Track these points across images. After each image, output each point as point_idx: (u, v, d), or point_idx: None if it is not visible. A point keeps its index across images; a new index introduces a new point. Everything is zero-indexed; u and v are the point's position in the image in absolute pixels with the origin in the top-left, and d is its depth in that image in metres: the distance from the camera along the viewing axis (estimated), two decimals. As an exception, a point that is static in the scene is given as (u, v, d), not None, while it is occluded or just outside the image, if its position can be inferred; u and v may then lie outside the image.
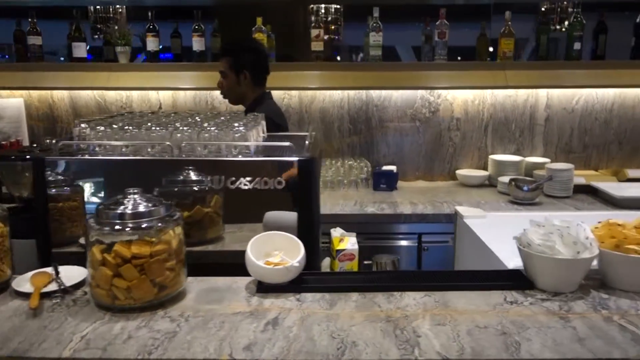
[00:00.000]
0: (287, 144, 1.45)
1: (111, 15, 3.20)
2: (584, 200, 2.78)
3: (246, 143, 1.46)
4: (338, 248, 1.57)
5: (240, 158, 1.42)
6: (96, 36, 3.15)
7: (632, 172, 2.98)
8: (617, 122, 3.16)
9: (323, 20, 3.10)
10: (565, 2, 3.07)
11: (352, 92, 3.17)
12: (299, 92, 3.16)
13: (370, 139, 3.22)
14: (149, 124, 1.54)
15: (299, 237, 1.34)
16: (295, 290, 1.24)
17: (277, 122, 2.32)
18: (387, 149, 3.23)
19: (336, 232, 1.60)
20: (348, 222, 2.57)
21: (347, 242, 1.59)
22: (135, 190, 1.17)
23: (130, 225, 1.12)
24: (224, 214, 1.52)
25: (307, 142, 1.46)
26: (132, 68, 3.03)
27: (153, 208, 1.15)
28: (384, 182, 2.99)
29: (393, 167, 3.11)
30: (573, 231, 1.21)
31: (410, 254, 2.68)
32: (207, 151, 1.48)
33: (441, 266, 2.62)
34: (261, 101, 2.50)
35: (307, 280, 1.29)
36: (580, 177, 2.94)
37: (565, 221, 1.25)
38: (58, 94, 3.21)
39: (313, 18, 2.97)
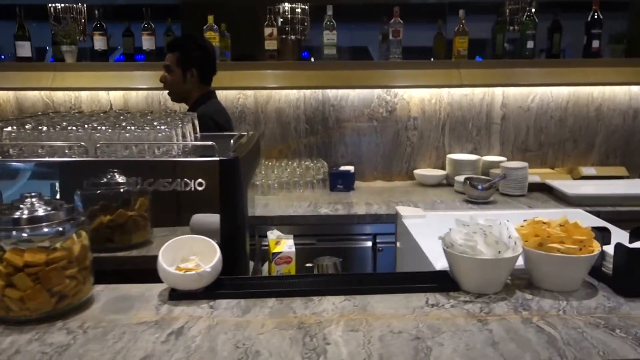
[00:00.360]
0: (209, 143, 1.39)
1: (73, 14, 3.11)
2: (539, 198, 2.77)
3: (163, 142, 1.40)
4: (274, 251, 1.52)
5: (156, 158, 1.36)
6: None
7: (586, 170, 2.99)
8: (572, 120, 3.17)
9: (289, 20, 3.06)
10: (521, 2, 3.07)
11: (308, 92, 3.13)
12: (255, 92, 3.10)
13: (327, 139, 3.17)
14: (64, 123, 1.46)
15: (223, 240, 1.28)
16: (209, 297, 1.18)
17: (219, 122, 2.26)
18: (344, 149, 3.19)
19: (272, 235, 1.55)
20: (301, 224, 2.56)
21: (284, 244, 1.54)
22: (33, 194, 1.10)
23: (24, 231, 1.05)
24: (153, 217, 1.46)
25: (231, 141, 1.40)
26: (77, 68, 2.94)
27: (51, 212, 1.08)
28: (340, 182, 2.95)
29: (350, 168, 3.06)
30: (496, 230, 1.18)
31: (365, 255, 2.64)
32: (129, 152, 1.42)
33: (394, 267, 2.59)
34: (204, 100, 2.44)
35: (225, 285, 1.23)
36: (536, 175, 2.94)
37: (489, 220, 1.21)
38: (4, 95, 3.10)
39: (267, 16, 2.91)
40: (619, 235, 1.41)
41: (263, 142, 3.15)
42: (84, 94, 3.09)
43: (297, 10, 3.08)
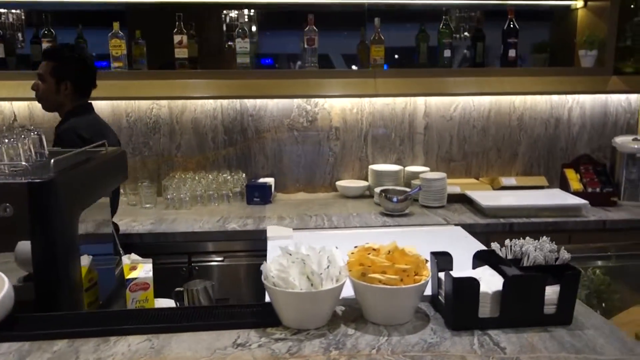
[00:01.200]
0: (23, 164, 1.22)
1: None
2: (457, 210, 2.73)
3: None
4: (128, 277, 1.39)
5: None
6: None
7: (506, 180, 2.96)
8: (494, 129, 3.15)
9: (242, 27, 2.94)
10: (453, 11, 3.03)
11: (225, 102, 3.01)
12: (169, 101, 2.97)
13: (247, 151, 3.06)
14: None
15: (36, 270, 1.14)
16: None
17: (84, 136, 2.09)
18: (265, 160, 3.08)
19: (127, 260, 1.43)
20: (204, 240, 2.44)
21: (141, 269, 1.41)
22: None
23: None
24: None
25: (52, 161, 1.21)
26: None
27: None
28: (257, 195, 2.84)
29: (269, 180, 2.96)
30: (314, 260, 1.08)
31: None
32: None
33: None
34: (77, 113, 2.28)
35: (18, 325, 1.08)
36: (456, 186, 2.90)
37: (311, 248, 1.12)
38: None
39: (177, 23, 2.79)
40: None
41: (179, 153, 3.03)
42: (-16, 104, 2.90)
43: (244, 16, 2.97)
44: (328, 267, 1.05)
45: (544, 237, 1.24)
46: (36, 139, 1.37)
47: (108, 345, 1.02)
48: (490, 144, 3.17)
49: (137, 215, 2.62)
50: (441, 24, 2.91)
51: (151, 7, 2.96)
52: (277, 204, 2.87)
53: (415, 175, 2.94)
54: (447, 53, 2.89)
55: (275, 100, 3.01)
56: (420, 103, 3.09)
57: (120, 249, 1.62)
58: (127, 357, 0.98)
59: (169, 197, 2.74)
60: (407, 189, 2.72)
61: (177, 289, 1.58)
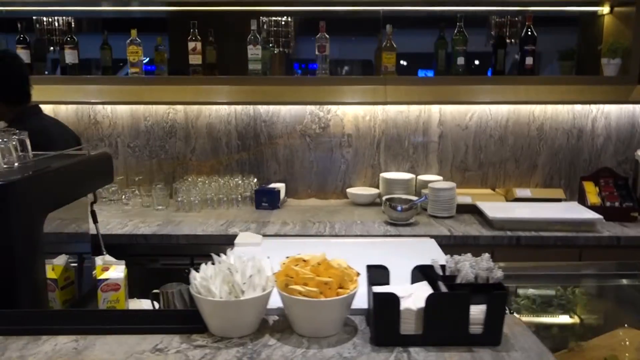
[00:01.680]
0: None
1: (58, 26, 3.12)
2: (465, 220, 2.66)
3: None
4: (100, 277, 1.44)
5: None
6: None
7: (520, 192, 2.87)
8: (512, 139, 3.06)
9: (273, 32, 3.01)
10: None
11: (239, 107, 3.06)
12: (184, 106, 3.05)
13: (260, 156, 3.10)
14: None
15: None
16: None
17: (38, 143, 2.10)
18: (277, 166, 3.11)
19: (100, 260, 1.47)
20: (206, 243, 2.48)
21: (113, 270, 1.46)
22: None
23: None
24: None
25: (16, 164, 1.25)
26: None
27: None
28: (265, 200, 2.87)
29: (279, 185, 2.99)
30: (239, 269, 1.08)
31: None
32: None
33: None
34: (22, 119, 2.20)
35: None
36: (467, 196, 2.83)
37: (238, 257, 1.12)
38: None
39: (191, 30, 2.86)
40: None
41: (194, 157, 3.10)
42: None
43: (281, 22, 3.03)
44: (251, 276, 1.05)
45: (485, 254, 1.19)
46: (20, 141, 1.44)
47: (37, 343, 1.06)
48: (508, 154, 3.08)
49: (146, 217, 2.70)
50: (455, 31, 2.86)
51: (191, 14, 3.02)
52: (285, 210, 2.88)
53: (427, 184, 2.89)
54: (460, 60, 2.83)
55: (288, 107, 3.04)
56: (434, 111, 3.04)
57: (104, 250, 1.67)
58: (48, 356, 1.02)
59: (179, 199, 2.81)
60: (414, 198, 2.68)
61: (154, 290, 1.62)
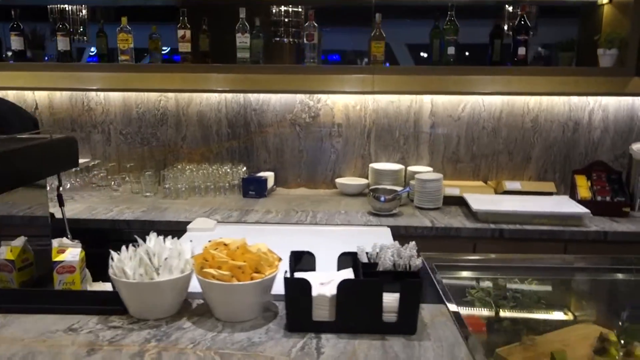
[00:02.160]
0: None
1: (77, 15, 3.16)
2: (450, 212, 2.63)
3: None
4: (55, 259, 1.45)
5: None
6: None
7: (510, 185, 2.81)
8: (506, 131, 3.00)
9: (283, 22, 3.01)
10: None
11: (229, 96, 3.06)
12: (175, 94, 3.06)
13: (250, 144, 3.10)
14: None
15: None
16: None
17: None
18: (267, 154, 3.11)
19: (56, 243, 1.49)
20: (184, 230, 2.49)
21: (68, 253, 1.47)
22: None
23: None
24: None
25: None
26: None
27: None
28: (252, 188, 2.87)
29: (267, 174, 2.98)
30: (155, 252, 1.07)
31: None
32: None
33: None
34: None
35: None
36: (456, 188, 2.79)
37: (158, 241, 1.11)
38: None
39: (180, 18, 2.86)
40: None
41: (185, 145, 3.11)
42: (10, 93, 3.11)
43: (290, 12, 3.02)
44: (167, 259, 1.05)
45: (412, 242, 1.16)
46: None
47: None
48: (501, 147, 3.02)
49: (133, 203, 2.72)
50: (446, 20, 2.81)
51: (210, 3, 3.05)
52: (272, 198, 2.88)
53: (415, 175, 2.85)
54: (450, 50, 2.78)
55: (278, 95, 3.03)
56: (426, 101, 2.99)
57: (69, 233, 1.68)
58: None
59: (166, 186, 2.83)
60: (394, 189, 2.65)
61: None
